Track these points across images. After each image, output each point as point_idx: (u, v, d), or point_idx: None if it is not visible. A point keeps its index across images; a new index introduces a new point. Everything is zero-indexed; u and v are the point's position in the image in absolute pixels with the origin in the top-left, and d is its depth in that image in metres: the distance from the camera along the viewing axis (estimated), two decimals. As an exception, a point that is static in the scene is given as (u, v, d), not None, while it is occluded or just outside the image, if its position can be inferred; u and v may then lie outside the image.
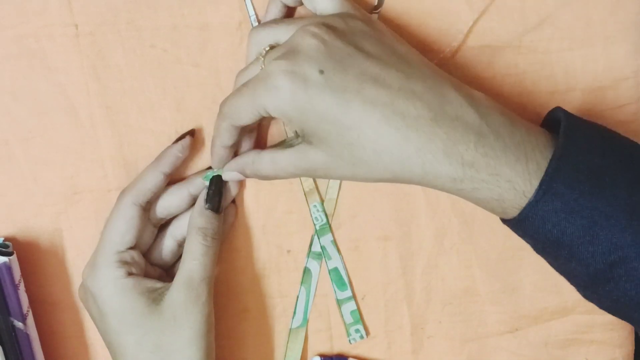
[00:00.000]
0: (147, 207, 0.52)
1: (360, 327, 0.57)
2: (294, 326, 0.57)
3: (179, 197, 0.53)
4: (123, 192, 0.52)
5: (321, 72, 0.44)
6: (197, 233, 0.51)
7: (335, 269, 0.56)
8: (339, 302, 0.56)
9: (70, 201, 0.54)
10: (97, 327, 0.51)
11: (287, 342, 0.57)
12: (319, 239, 0.56)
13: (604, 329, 0.57)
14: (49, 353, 0.55)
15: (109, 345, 0.51)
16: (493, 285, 0.56)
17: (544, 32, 0.54)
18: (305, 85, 0.44)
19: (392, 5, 0.53)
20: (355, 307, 0.56)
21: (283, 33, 0.48)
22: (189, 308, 0.49)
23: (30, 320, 0.52)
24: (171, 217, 0.53)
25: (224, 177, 0.52)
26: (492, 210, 0.45)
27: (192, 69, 0.53)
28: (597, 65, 0.54)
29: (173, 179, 0.54)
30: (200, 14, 0.53)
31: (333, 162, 0.46)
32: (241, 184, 0.55)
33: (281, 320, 0.57)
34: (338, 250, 0.56)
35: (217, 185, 0.52)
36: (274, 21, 0.51)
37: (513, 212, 0.44)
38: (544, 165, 0.43)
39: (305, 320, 0.57)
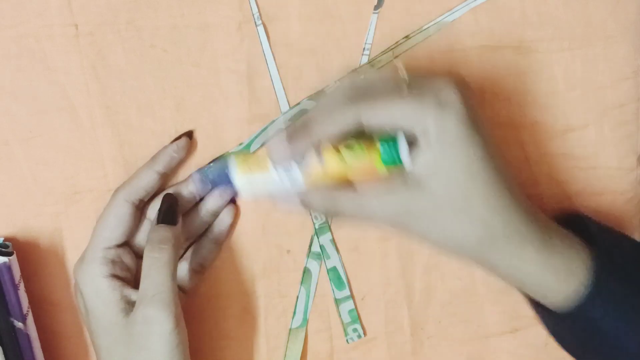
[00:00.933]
0: (140, 205, 0.52)
1: (358, 326, 0.57)
2: (293, 326, 0.57)
3: (178, 196, 0.52)
4: (117, 190, 0.51)
5: (472, 122, 0.44)
6: (146, 248, 0.49)
7: (334, 269, 0.56)
8: (337, 302, 0.56)
9: (70, 201, 0.54)
10: (83, 322, 0.51)
11: (287, 342, 0.57)
12: (317, 238, 0.56)
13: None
14: (49, 353, 0.55)
15: (92, 343, 0.51)
16: (493, 285, 0.56)
17: (544, 32, 0.54)
18: (473, 122, 0.44)
19: (392, 5, 0.54)
20: (353, 307, 0.56)
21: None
22: (143, 329, 0.47)
23: (30, 320, 0.52)
24: None
25: (282, 208, 0.51)
26: (535, 297, 0.48)
27: (192, 69, 0.53)
28: (597, 65, 0.54)
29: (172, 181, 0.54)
30: (200, 14, 0.53)
31: (427, 218, 0.46)
32: (237, 212, 0.55)
33: (281, 321, 0.57)
34: (337, 249, 0.56)
35: (169, 203, 0.51)
36: None
37: (562, 306, 0.47)
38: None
39: (305, 321, 0.57)
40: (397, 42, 0.54)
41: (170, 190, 0.53)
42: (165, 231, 0.49)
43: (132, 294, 0.50)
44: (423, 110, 0.44)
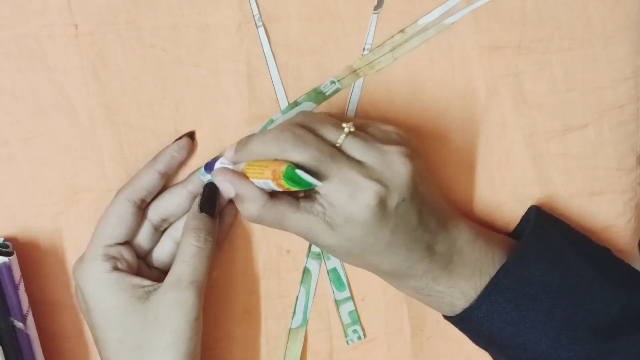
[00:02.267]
0: (142, 205, 0.52)
1: (358, 327, 0.57)
2: (293, 326, 0.57)
3: (178, 195, 0.53)
4: (119, 190, 0.52)
5: (399, 204, 0.47)
6: (189, 234, 0.50)
7: (334, 270, 0.56)
8: (337, 303, 0.56)
9: (70, 201, 0.54)
10: (86, 321, 0.51)
11: (287, 342, 0.57)
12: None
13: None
14: (49, 353, 0.55)
15: (95, 340, 0.51)
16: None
17: (543, 32, 0.54)
18: (384, 210, 0.47)
19: (392, 5, 0.54)
20: (353, 308, 0.56)
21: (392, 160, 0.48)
22: (172, 311, 0.49)
23: (30, 320, 0.52)
24: (174, 219, 0.53)
25: (216, 181, 0.51)
26: (440, 311, 0.52)
27: (192, 69, 0.53)
28: (597, 66, 0.54)
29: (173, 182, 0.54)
30: (200, 14, 0.53)
31: (338, 251, 0.49)
32: None
33: (281, 321, 0.57)
34: None
35: (210, 191, 0.52)
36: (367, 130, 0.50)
37: (456, 312, 0.51)
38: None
39: (305, 321, 0.57)
40: (392, 35, 0.54)
41: (169, 191, 0.53)
42: (212, 224, 0.51)
43: (141, 280, 0.50)
44: (339, 195, 0.47)
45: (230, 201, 0.54)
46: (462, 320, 0.51)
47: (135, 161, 0.54)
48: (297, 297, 0.56)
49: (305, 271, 0.56)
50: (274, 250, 0.56)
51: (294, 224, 0.48)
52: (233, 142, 0.53)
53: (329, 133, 0.48)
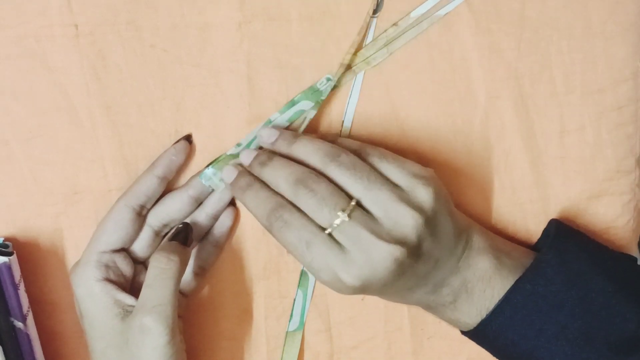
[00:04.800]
0: (142, 211, 0.52)
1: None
2: (290, 329, 0.57)
3: (179, 200, 0.52)
4: (119, 197, 0.52)
5: (382, 291, 0.49)
6: (153, 257, 0.49)
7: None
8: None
9: (70, 201, 0.54)
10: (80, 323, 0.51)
11: (284, 346, 0.57)
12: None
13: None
14: (49, 353, 0.55)
15: (88, 344, 0.51)
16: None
17: (543, 33, 0.54)
18: (365, 290, 0.48)
19: (392, 6, 0.54)
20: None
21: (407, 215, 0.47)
22: (139, 338, 0.47)
23: (30, 320, 0.52)
24: (174, 224, 0.53)
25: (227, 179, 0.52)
26: (457, 327, 0.53)
27: (192, 69, 0.53)
28: (597, 67, 0.54)
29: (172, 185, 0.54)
30: (200, 14, 0.53)
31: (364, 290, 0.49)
32: (237, 215, 0.55)
33: (281, 321, 0.57)
34: None
35: (181, 234, 0.51)
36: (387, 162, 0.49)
37: (471, 327, 0.52)
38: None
39: (302, 324, 0.57)
40: (385, 29, 0.54)
41: (170, 196, 0.53)
42: (176, 246, 0.50)
43: (125, 298, 0.50)
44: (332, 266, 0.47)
45: (230, 203, 0.54)
46: (477, 335, 0.52)
47: (135, 161, 0.54)
48: (295, 299, 0.56)
49: (303, 274, 0.56)
50: (274, 250, 0.56)
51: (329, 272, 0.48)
52: (233, 142, 0.54)
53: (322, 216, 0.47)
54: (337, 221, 0.46)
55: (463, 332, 0.53)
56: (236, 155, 0.53)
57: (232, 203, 0.55)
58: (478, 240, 0.51)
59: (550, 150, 0.55)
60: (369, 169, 0.48)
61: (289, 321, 0.57)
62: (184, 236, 0.51)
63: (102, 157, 0.54)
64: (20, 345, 0.52)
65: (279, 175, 0.48)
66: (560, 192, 0.56)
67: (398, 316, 0.57)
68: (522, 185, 0.55)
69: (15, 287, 0.51)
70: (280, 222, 0.47)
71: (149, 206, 0.52)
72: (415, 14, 0.54)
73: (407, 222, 0.47)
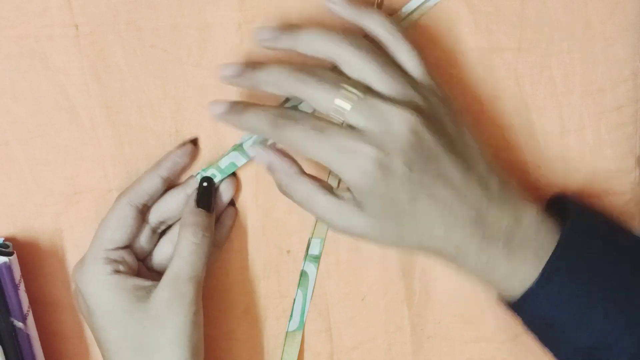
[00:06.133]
0: (143, 209, 0.52)
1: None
2: (290, 329, 0.57)
3: (176, 198, 0.53)
4: (121, 194, 0.52)
5: (407, 166, 0.45)
6: (186, 230, 0.50)
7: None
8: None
9: (70, 201, 0.54)
10: (87, 324, 0.51)
11: (284, 346, 0.57)
12: (321, 240, 0.56)
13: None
14: (49, 353, 0.55)
15: (97, 341, 0.51)
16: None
17: (542, 34, 0.54)
18: (388, 175, 0.45)
19: (391, 7, 0.54)
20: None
21: (388, 112, 0.46)
22: (172, 307, 0.49)
23: (30, 320, 0.52)
24: (172, 221, 0.53)
25: (252, 154, 0.51)
26: (500, 293, 0.50)
27: (193, 69, 0.53)
28: (596, 67, 0.54)
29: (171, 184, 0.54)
30: (201, 14, 0.53)
31: (373, 233, 0.48)
32: (237, 185, 0.55)
33: (281, 321, 0.57)
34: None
35: (206, 186, 0.52)
36: (364, 53, 0.48)
37: (514, 295, 0.48)
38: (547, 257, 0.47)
39: (302, 324, 0.57)
40: None
41: (168, 194, 0.53)
42: (208, 218, 0.51)
43: (142, 281, 0.50)
44: (336, 169, 0.46)
45: (230, 204, 0.54)
46: (520, 305, 0.48)
47: (135, 161, 0.54)
48: (295, 299, 0.56)
49: (303, 274, 0.56)
50: (274, 250, 0.56)
51: (321, 206, 0.48)
52: (233, 142, 0.54)
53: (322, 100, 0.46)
54: (349, 102, 0.46)
55: (503, 302, 0.50)
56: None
57: (231, 203, 0.55)
58: (532, 205, 0.49)
59: (550, 150, 0.55)
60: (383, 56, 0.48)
61: (289, 321, 0.57)
62: (208, 199, 0.52)
63: (102, 157, 0.54)
64: (20, 345, 0.52)
65: (278, 72, 0.47)
66: (561, 192, 0.56)
67: (398, 316, 0.57)
68: (522, 186, 0.55)
69: (15, 287, 0.51)
70: (288, 119, 0.47)
71: (150, 205, 0.52)
72: (406, 9, 0.53)
73: (417, 99, 0.46)
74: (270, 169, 0.50)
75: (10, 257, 0.51)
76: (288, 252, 0.56)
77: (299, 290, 0.56)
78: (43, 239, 0.54)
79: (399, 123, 0.45)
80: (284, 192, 0.50)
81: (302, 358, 0.57)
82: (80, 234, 0.54)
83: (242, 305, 0.56)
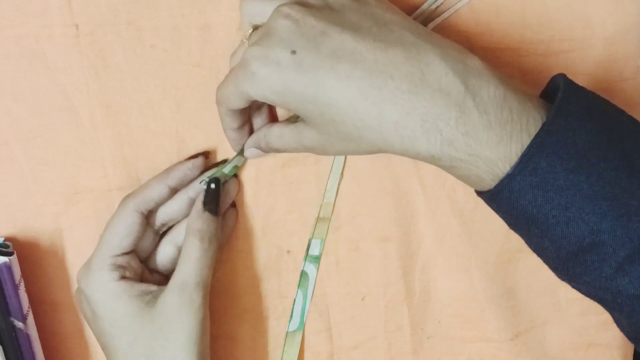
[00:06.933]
0: (149, 215, 0.52)
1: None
2: (290, 329, 0.57)
3: (179, 201, 0.53)
4: (126, 198, 0.52)
5: (293, 52, 0.43)
6: (194, 235, 0.50)
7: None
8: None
9: (70, 201, 0.54)
10: (91, 329, 0.51)
11: (284, 346, 0.57)
12: (322, 241, 0.56)
13: (599, 330, 0.58)
14: (49, 353, 0.55)
15: (103, 347, 0.51)
16: (492, 288, 0.56)
17: (543, 33, 0.54)
18: (278, 68, 0.43)
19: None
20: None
21: (269, 6, 0.46)
22: (181, 313, 0.49)
23: (30, 320, 0.52)
24: (173, 223, 0.53)
25: (247, 154, 0.52)
26: (471, 185, 0.44)
27: (193, 69, 0.53)
28: (597, 67, 0.54)
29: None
30: (201, 14, 0.53)
31: (324, 140, 0.46)
32: (239, 186, 0.55)
33: (281, 321, 0.57)
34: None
35: (214, 188, 0.52)
36: None
37: (489, 186, 0.43)
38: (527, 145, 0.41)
39: (302, 324, 0.57)
40: None
41: (172, 199, 0.53)
42: (215, 223, 0.51)
43: (148, 286, 0.50)
44: (244, 90, 0.46)
45: (230, 205, 0.54)
46: (499, 194, 0.42)
47: (135, 161, 0.54)
48: (295, 299, 0.56)
49: (303, 274, 0.56)
50: (274, 250, 0.56)
51: (288, 137, 0.49)
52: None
53: None
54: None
55: (479, 194, 0.44)
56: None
57: (232, 204, 0.55)
58: (490, 74, 0.43)
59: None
60: None
61: (289, 321, 0.57)
62: (216, 202, 0.52)
63: (102, 157, 0.54)
64: (20, 345, 0.52)
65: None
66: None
67: (398, 316, 0.57)
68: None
69: (15, 287, 0.51)
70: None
71: (155, 210, 0.52)
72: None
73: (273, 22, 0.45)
74: (259, 148, 0.51)
75: (10, 257, 0.51)
76: (288, 252, 0.56)
77: (299, 290, 0.56)
78: (43, 239, 0.54)
79: (273, 15, 0.45)
80: (277, 149, 0.50)
81: (302, 358, 0.57)
82: (80, 234, 0.54)
83: (242, 305, 0.56)
